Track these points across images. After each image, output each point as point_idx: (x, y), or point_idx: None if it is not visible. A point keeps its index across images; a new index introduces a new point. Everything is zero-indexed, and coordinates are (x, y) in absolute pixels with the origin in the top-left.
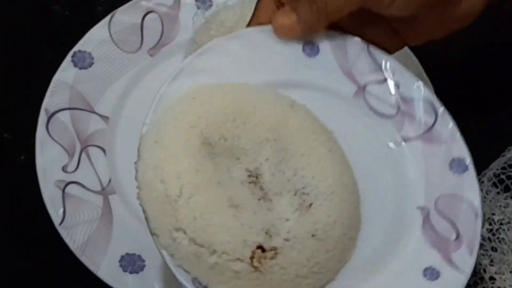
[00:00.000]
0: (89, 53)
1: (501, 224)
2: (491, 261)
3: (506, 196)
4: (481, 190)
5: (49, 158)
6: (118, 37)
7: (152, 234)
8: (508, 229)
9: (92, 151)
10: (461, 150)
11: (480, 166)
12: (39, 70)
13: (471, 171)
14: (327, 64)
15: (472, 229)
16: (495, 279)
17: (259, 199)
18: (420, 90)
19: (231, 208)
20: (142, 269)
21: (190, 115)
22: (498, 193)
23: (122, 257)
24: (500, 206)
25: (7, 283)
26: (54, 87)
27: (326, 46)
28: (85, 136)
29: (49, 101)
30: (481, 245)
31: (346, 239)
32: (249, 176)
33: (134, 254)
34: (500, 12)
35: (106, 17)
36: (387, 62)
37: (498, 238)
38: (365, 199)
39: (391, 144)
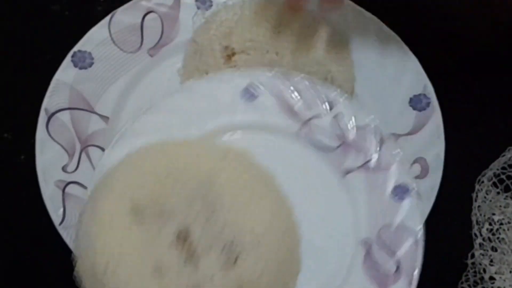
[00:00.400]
0: (89, 53)
1: (501, 224)
2: (491, 261)
3: (506, 196)
4: (481, 190)
5: (49, 158)
6: (118, 37)
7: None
8: (508, 229)
9: (92, 151)
10: (404, 176)
11: (480, 166)
12: (39, 70)
13: (414, 197)
14: (268, 104)
15: (413, 259)
16: (495, 279)
17: (185, 261)
18: (363, 119)
19: (155, 273)
20: None
21: (121, 182)
22: (498, 193)
23: None
24: (500, 206)
25: (7, 283)
26: (54, 87)
27: (267, 85)
28: (85, 136)
29: (49, 101)
30: (481, 245)
31: (279, 284)
32: (178, 236)
33: None
34: (500, 13)
35: (106, 17)
36: (329, 95)
37: (498, 238)
38: (307, 237)
39: (335, 178)
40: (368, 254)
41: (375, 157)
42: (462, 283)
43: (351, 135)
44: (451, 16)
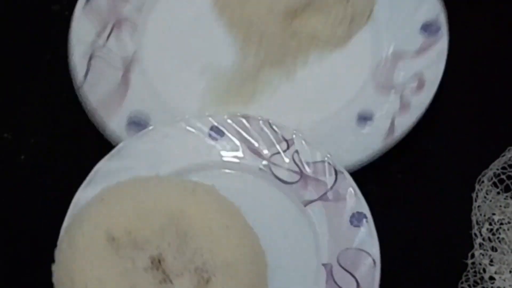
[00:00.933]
0: None
1: (501, 224)
2: (491, 261)
3: (506, 196)
4: (481, 190)
5: (81, 30)
6: None
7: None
8: (508, 229)
9: (125, 25)
10: (360, 204)
11: (480, 166)
12: (39, 70)
13: (370, 222)
14: (232, 143)
15: (371, 278)
16: (494, 279)
17: (160, 283)
18: (319, 154)
19: None
20: None
21: (96, 216)
22: (498, 193)
23: (130, 118)
24: (500, 206)
25: (7, 283)
26: None
27: (229, 128)
28: (118, 16)
29: None
30: (481, 245)
31: None
32: (152, 262)
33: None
34: (500, 14)
35: None
36: (287, 133)
37: (498, 238)
38: (273, 264)
39: (296, 208)
40: (329, 276)
41: (331, 189)
42: (462, 283)
43: (309, 170)
44: None
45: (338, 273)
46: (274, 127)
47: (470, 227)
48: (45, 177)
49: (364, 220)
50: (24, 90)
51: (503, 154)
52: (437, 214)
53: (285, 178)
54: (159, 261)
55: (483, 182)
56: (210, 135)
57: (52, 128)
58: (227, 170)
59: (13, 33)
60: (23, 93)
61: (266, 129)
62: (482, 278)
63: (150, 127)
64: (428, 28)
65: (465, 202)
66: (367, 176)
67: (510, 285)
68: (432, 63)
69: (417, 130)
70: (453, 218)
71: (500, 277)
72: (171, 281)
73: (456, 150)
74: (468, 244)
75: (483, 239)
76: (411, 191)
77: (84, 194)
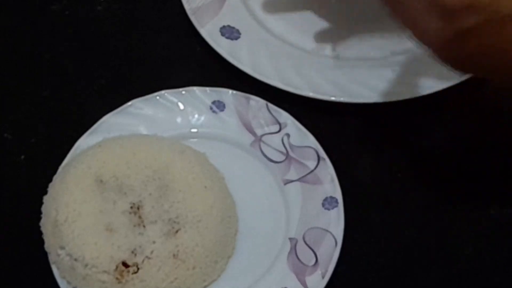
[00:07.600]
0: None
1: None
2: None
3: None
4: None
5: None
6: None
7: (47, 252)
8: None
9: None
10: (334, 190)
11: (481, 166)
12: (39, 70)
13: (340, 208)
14: (230, 118)
15: (329, 256)
16: None
17: (134, 226)
18: (308, 140)
19: (106, 231)
20: (236, 39)
21: (90, 159)
22: None
23: (223, 26)
24: None
25: (7, 284)
26: None
27: (230, 103)
28: None
29: None
30: None
31: (209, 261)
32: (132, 207)
33: (233, 27)
34: None
35: None
36: (282, 117)
37: None
38: (244, 231)
39: (276, 185)
40: (293, 249)
41: (311, 172)
42: None
43: (295, 152)
44: None
45: (301, 248)
46: (271, 110)
47: (468, 228)
48: (45, 177)
49: (335, 204)
50: (24, 90)
51: None
52: (437, 213)
53: (271, 157)
54: (138, 208)
55: None
56: (211, 108)
57: (52, 128)
58: (220, 142)
59: (13, 33)
60: (23, 93)
61: (263, 111)
62: None
63: (158, 93)
64: None
65: (465, 202)
66: (367, 176)
67: None
68: None
69: (417, 130)
70: (452, 218)
71: None
72: (144, 226)
73: (456, 149)
74: (470, 244)
75: None
76: (410, 190)
77: (85, 142)
